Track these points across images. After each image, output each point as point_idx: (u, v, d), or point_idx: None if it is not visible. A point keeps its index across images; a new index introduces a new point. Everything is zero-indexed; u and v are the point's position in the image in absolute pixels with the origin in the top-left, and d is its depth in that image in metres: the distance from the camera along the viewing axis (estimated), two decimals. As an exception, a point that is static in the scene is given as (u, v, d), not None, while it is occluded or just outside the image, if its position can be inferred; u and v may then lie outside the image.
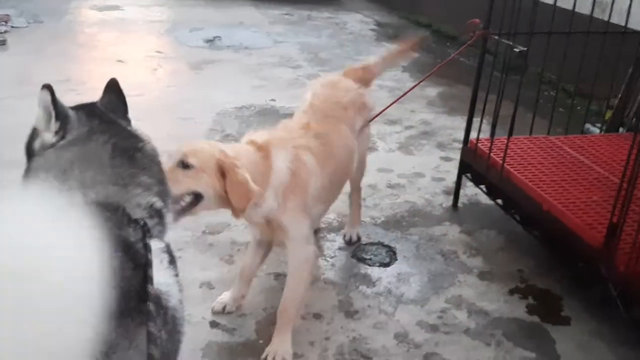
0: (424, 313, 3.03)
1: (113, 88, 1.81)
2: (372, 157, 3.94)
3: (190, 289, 2.99)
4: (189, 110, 5.33)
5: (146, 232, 1.47)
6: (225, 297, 2.96)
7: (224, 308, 2.93)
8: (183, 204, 2.47)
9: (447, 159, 4.65)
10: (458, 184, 3.98)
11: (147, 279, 1.34)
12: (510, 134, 3.51)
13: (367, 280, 3.25)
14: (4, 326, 0.94)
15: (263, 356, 2.65)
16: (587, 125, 4.66)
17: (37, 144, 1.60)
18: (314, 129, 2.89)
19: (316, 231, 3.52)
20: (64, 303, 1.01)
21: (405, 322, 2.96)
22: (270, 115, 5.31)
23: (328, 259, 3.42)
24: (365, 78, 3.34)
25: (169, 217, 1.65)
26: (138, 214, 1.51)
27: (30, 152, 1.63)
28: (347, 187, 3.52)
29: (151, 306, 1.29)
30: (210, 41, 7.65)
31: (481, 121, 3.68)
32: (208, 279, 3.16)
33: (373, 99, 3.41)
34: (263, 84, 6.20)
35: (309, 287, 2.86)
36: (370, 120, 3.38)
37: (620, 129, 4.57)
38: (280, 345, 2.67)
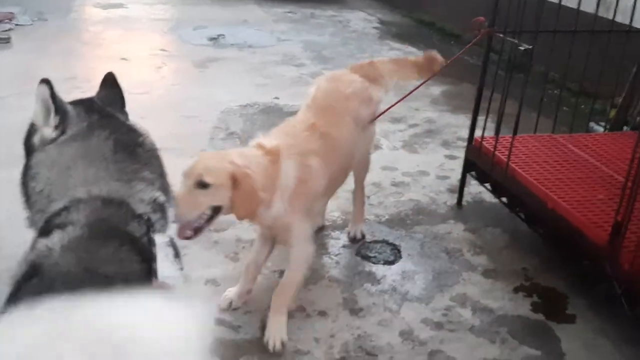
0: (429, 311, 3.03)
1: (110, 82, 1.80)
2: (376, 155, 3.94)
3: (196, 286, 3.00)
4: (193, 108, 5.33)
5: (150, 227, 1.48)
6: (230, 293, 2.98)
7: (230, 304, 2.94)
8: (203, 219, 2.58)
9: (451, 157, 4.65)
10: (462, 182, 3.98)
11: (152, 272, 1.36)
12: (515, 132, 3.51)
13: (372, 278, 3.26)
14: None
15: (265, 340, 2.73)
16: (592, 124, 4.66)
17: (36, 140, 1.60)
18: (319, 128, 2.93)
19: (320, 229, 3.54)
20: None
21: (410, 319, 2.96)
22: (274, 113, 5.32)
23: (332, 256, 3.43)
24: (370, 74, 3.33)
25: (170, 211, 1.66)
26: (142, 208, 1.52)
27: (29, 148, 1.63)
28: (350, 185, 3.53)
29: None
30: (214, 39, 7.65)
31: (486, 119, 3.68)
32: (213, 276, 3.17)
33: (380, 93, 3.40)
34: (267, 82, 6.20)
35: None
36: (376, 118, 3.39)
37: (625, 128, 4.57)
38: (278, 329, 2.75)
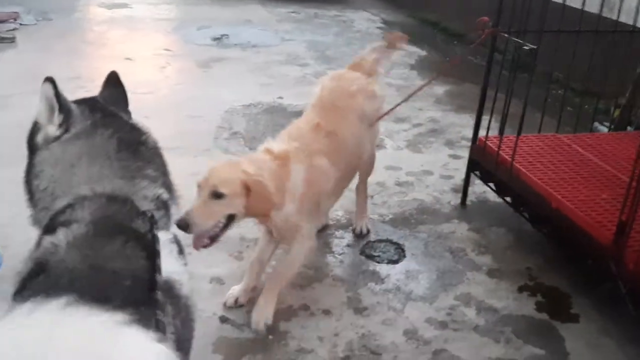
0: (433, 310, 3.03)
1: (113, 81, 1.81)
2: (380, 154, 3.94)
3: (200, 284, 3.01)
4: (197, 108, 5.34)
5: (154, 224, 1.49)
6: (235, 290, 3.00)
7: (235, 301, 2.96)
8: (219, 227, 2.65)
9: (455, 157, 4.65)
10: (466, 182, 3.98)
11: (155, 268, 1.36)
12: (519, 132, 3.51)
13: (376, 277, 3.26)
14: None
15: (251, 319, 2.81)
16: (596, 124, 4.65)
17: (40, 138, 1.61)
18: (324, 127, 3.00)
19: (324, 228, 3.54)
20: None
21: (414, 318, 2.96)
22: (277, 112, 5.32)
23: (337, 255, 3.43)
24: (367, 69, 3.41)
25: (174, 208, 1.67)
26: (145, 206, 1.53)
27: (32, 146, 1.64)
28: (353, 184, 3.53)
29: (159, 295, 1.31)
30: (217, 39, 7.65)
31: (490, 119, 3.68)
32: (217, 274, 3.17)
33: (383, 88, 3.42)
34: (270, 81, 6.20)
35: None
36: (379, 119, 3.41)
37: (628, 127, 4.56)
38: (264, 309, 2.82)
